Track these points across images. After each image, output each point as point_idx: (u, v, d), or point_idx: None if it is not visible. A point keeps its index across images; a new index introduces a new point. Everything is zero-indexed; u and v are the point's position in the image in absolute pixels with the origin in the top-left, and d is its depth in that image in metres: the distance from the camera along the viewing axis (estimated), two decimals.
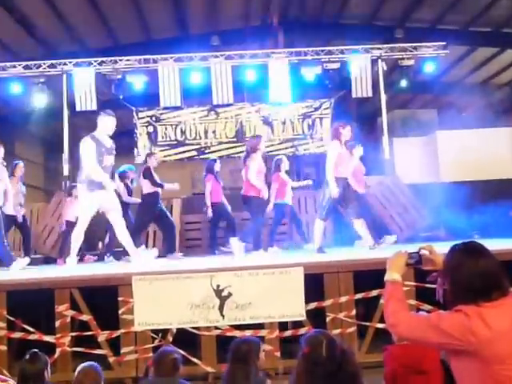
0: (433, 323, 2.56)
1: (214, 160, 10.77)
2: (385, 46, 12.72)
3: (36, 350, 4.00)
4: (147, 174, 9.24)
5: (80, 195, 7.45)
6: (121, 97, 12.61)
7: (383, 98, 12.60)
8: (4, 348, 5.87)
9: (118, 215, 7.49)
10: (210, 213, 10.23)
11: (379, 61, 12.59)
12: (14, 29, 12.20)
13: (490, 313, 2.44)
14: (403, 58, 12.52)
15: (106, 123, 7.48)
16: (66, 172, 12.14)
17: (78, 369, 3.86)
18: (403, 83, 12.72)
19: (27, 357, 3.91)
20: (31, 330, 5.91)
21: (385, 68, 12.61)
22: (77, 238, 7.44)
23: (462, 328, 2.44)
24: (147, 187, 9.21)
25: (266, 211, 9.07)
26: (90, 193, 7.23)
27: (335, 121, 13.71)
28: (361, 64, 12.35)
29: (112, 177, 7.73)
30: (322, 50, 12.73)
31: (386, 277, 2.88)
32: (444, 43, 12.65)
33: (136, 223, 9.16)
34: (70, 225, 9.97)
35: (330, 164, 7.96)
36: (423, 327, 2.59)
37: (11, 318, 5.90)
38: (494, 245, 6.82)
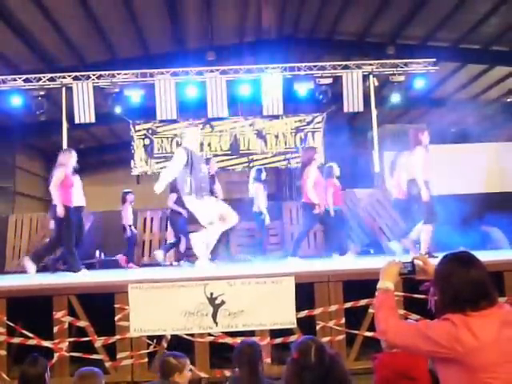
0: (421, 331, 2.61)
1: (261, 170, 11.04)
2: (376, 62, 12.88)
3: (35, 354, 4.10)
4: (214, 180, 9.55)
5: (193, 205, 7.63)
6: (118, 110, 12.77)
7: (374, 112, 12.76)
8: (4, 353, 5.92)
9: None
10: (268, 220, 10.71)
11: (370, 76, 12.73)
12: (14, 43, 12.37)
13: (477, 322, 2.49)
14: (394, 74, 12.69)
15: (192, 134, 7.81)
16: None
17: (76, 373, 3.98)
18: (394, 98, 12.92)
19: (27, 360, 3.99)
20: (30, 335, 5.97)
21: (376, 83, 12.76)
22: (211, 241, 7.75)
23: (448, 336, 2.48)
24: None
25: (317, 220, 9.20)
26: (200, 200, 7.50)
27: (328, 134, 14.06)
28: (352, 79, 12.54)
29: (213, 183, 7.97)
30: (315, 66, 12.90)
31: (379, 285, 2.96)
32: (434, 60, 12.80)
33: None
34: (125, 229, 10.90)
35: (420, 169, 8.04)
36: (412, 334, 2.64)
37: (11, 324, 5.97)
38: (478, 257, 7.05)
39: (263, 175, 10.85)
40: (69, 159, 8.28)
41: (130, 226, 11.11)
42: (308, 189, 8.70)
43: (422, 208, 8.11)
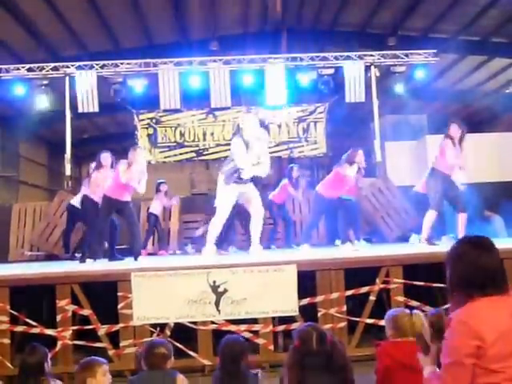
0: (442, 371, 2.53)
1: (292, 167, 11.28)
2: (377, 52, 12.87)
3: (35, 343, 4.14)
4: None
5: (219, 185, 7.65)
6: (121, 99, 12.78)
7: (376, 103, 12.77)
8: (7, 341, 6.00)
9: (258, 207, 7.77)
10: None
11: (372, 67, 12.71)
12: (17, 32, 12.38)
13: (487, 312, 2.46)
14: (395, 65, 12.67)
15: (249, 121, 7.88)
16: (67, 172, 12.32)
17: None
18: (395, 89, 12.93)
19: (26, 350, 4.03)
20: (33, 323, 6.05)
21: (377, 74, 12.75)
22: (214, 228, 7.61)
23: (464, 343, 2.42)
24: None
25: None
26: (225, 185, 7.50)
27: (330, 124, 14.09)
28: (354, 70, 12.52)
29: None
30: (317, 56, 12.89)
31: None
32: (435, 51, 12.79)
33: None
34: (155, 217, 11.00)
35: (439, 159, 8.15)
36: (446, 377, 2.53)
37: (14, 312, 6.03)
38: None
39: (293, 172, 11.04)
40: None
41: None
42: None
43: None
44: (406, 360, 3.59)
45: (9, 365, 5.89)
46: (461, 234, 7.94)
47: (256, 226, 7.71)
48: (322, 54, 13.00)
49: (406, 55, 12.79)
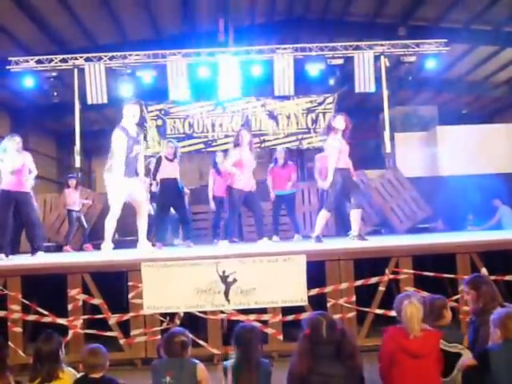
0: None
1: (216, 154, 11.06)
2: (387, 42, 12.81)
3: (50, 330, 4.16)
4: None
5: (108, 183, 7.41)
6: (130, 91, 12.76)
7: (385, 93, 12.72)
8: (19, 330, 6.01)
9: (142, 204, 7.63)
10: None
11: (382, 57, 12.67)
12: (26, 25, 12.43)
13: None
14: (405, 55, 12.60)
15: (131, 112, 7.69)
16: (77, 164, 12.40)
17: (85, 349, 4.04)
18: (405, 79, 12.88)
19: (42, 337, 4.03)
20: (45, 312, 6.04)
21: (387, 64, 12.71)
22: (111, 225, 7.47)
23: None
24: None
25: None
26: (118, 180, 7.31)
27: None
28: (364, 60, 12.49)
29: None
30: (326, 46, 12.86)
31: None
32: (445, 40, 12.70)
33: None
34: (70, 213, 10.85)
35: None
36: None
37: (26, 302, 6.05)
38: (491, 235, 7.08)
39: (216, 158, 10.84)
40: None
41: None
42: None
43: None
44: (408, 348, 3.65)
45: (21, 353, 5.91)
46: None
47: (141, 222, 7.61)
48: (331, 44, 12.96)
49: (417, 45, 12.74)
